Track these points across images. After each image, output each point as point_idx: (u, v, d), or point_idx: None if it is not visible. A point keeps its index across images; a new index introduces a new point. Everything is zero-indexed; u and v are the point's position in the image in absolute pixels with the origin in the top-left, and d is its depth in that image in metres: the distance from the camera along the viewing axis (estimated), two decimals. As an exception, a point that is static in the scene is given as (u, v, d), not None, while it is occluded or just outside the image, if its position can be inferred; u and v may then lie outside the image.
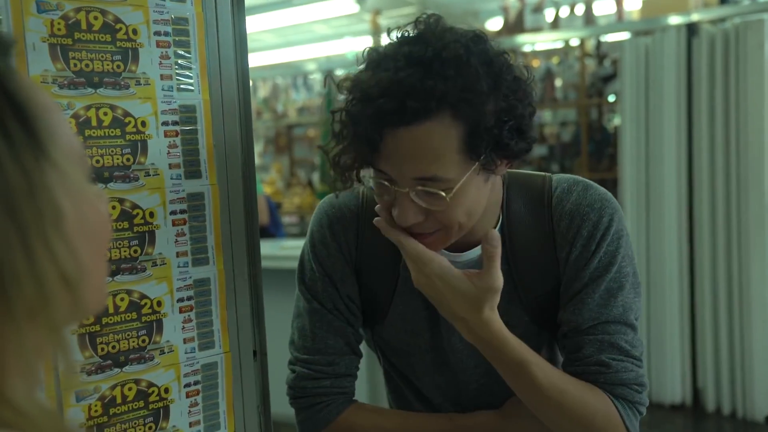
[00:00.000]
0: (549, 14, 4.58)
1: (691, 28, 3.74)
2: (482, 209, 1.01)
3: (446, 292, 0.96)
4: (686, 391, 3.85)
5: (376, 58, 0.94)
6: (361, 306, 1.15)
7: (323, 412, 1.12)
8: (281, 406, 1.21)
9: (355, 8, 6.38)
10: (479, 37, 0.93)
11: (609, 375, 1.01)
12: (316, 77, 6.24)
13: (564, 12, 4.50)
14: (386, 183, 0.95)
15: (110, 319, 0.93)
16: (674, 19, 3.82)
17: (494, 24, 5.58)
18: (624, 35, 4.09)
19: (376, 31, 5.62)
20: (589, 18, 4.43)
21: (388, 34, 0.97)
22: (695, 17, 3.77)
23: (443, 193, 0.92)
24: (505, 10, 4.73)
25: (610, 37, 4.46)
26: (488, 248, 0.95)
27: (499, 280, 0.95)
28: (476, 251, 1.06)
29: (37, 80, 0.86)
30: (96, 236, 0.54)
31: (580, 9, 4.45)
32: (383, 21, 6.05)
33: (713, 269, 3.71)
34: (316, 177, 5.83)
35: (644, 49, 3.86)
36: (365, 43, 6.46)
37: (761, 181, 3.52)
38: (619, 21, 4.47)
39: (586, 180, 1.08)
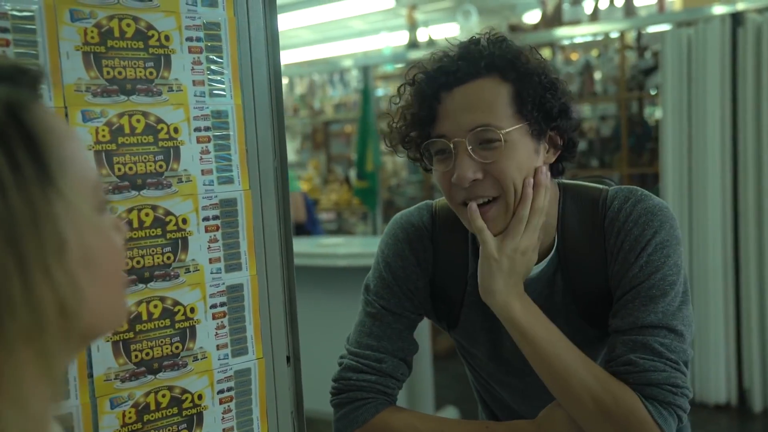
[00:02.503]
0: (588, 6, 4.48)
1: (736, 18, 3.63)
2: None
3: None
4: (731, 391, 3.75)
5: (437, 53, 1.08)
6: (437, 314, 1.22)
7: (362, 410, 1.12)
8: (315, 403, 1.20)
9: (391, 3, 6.36)
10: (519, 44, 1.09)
11: (636, 375, 0.99)
12: (353, 73, 6.24)
13: (603, 4, 4.40)
14: (445, 144, 1.03)
15: (144, 326, 0.93)
16: (718, 9, 3.70)
17: (532, 17, 5.50)
18: (665, 26, 3.99)
19: (412, 26, 5.58)
20: (629, 9, 4.32)
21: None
22: (740, 6, 3.65)
23: (498, 133, 1.00)
24: (542, 3, 4.65)
25: (650, 29, 4.35)
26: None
27: (486, 248, 1.03)
28: (535, 270, 1.10)
29: (70, 89, 0.86)
30: (104, 266, 0.54)
31: (619, 0, 4.35)
32: (419, 16, 6.01)
33: (759, 266, 3.60)
34: (353, 173, 5.84)
35: (686, 40, 3.76)
36: (401, 38, 6.47)
37: (810, 177, 3.40)
38: (660, 12, 4.35)
39: (639, 192, 1.08)
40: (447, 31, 7.20)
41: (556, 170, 1.11)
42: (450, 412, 3.74)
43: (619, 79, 4.28)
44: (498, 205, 1.04)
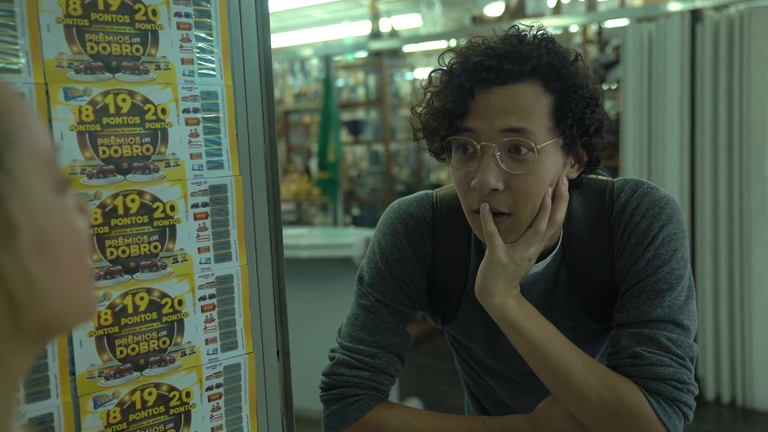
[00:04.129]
0: (551, 0, 4.51)
1: (695, 15, 3.69)
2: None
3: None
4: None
5: (476, 41, 1.00)
6: (432, 308, 1.17)
7: (353, 406, 1.07)
8: (304, 401, 1.16)
9: (353, -7, 6.30)
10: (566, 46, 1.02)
11: (642, 368, 0.96)
12: (314, 63, 6.15)
13: (566, -3, 4.44)
14: (472, 143, 0.96)
15: (129, 320, 0.88)
16: (677, 6, 3.76)
17: (495, 9, 5.51)
18: (626, 21, 4.04)
19: (374, 16, 5.53)
20: (591, 3, 4.36)
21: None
22: (699, 3, 3.72)
23: (532, 143, 0.93)
24: (505, -4, 4.67)
25: (611, 23, 4.40)
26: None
27: (495, 252, 0.98)
28: (540, 265, 1.06)
29: (51, 64, 0.80)
30: (63, 252, 0.48)
31: (582, -6, 4.39)
32: (382, 6, 5.97)
33: (715, 258, 3.69)
34: (313, 164, 5.77)
35: (647, 35, 3.81)
36: (363, 27, 6.40)
37: (763, 170, 3.49)
38: (622, 7, 4.41)
39: (645, 184, 1.06)
40: (409, 22, 7.16)
41: (574, 183, 1.05)
42: (414, 404, 3.73)
43: (581, 72, 4.32)
44: (511, 220, 0.98)
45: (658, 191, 1.05)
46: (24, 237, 0.44)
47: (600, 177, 1.11)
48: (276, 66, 6.39)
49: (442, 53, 1.02)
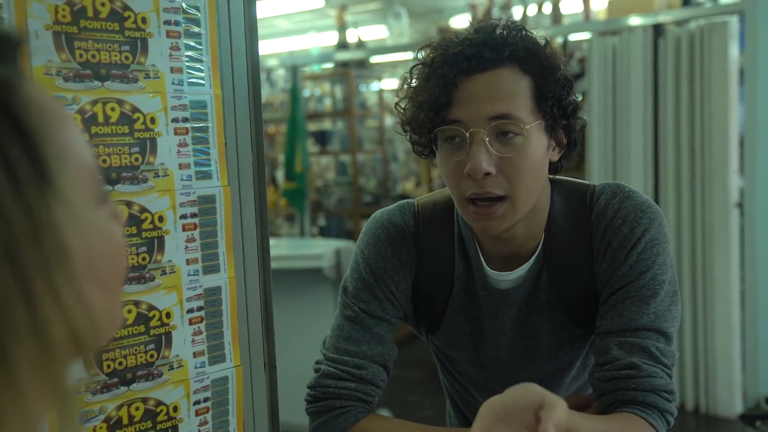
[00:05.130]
0: (517, 12, 4.58)
1: (657, 29, 3.79)
2: (540, 190, 1.03)
3: None
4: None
5: (449, 35, 1.02)
6: (417, 318, 1.17)
7: (341, 418, 1.05)
8: (290, 415, 1.14)
9: (320, 3, 6.30)
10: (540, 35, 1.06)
11: (641, 380, 0.96)
12: (280, 73, 6.13)
13: (532, 10, 4.51)
14: (460, 131, 0.97)
15: (117, 333, 0.86)
16: (640, 20, 3.86)
17: (460, 21, 5.57)
18: (589, 35, 4.12)
19: (341, 27, 5.54)
20: (556, 17, 4.44)
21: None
22: (661, 18, 3.82)
23: (520, 126, 0.95)
24: (472, 8, 4.72)
25: (576, 36, 4.49)
26: None
27: None
28: (523, 268, 1.07)
29: (40, 72, 0.78)
30: (105, 268, 0.47)
31: (547, 7, 4.46)
32: (349, 17, 5.98)
33: (678, 266, 3.76)
34: (280, 174, 5.73)
35: (611, 48, 3.90)
36: (330, 38, 6.40)
37: (725, 180, 3.59)
38: (586, 20, 4.50)
39: (627, 189, 1.06)
40: (376, 33, 7.19)
41: (554, 168, 1.07)
42: (383, 414, 3.72)
43: (547, 84, 4.39)
44: (507, 205, 0.99)
45: (640, 196, 1.06)
46: (77, 260, 0.42)
47: (583, 181, 1.12)
48: (242, 76, 6.35)
49: (420, 48, 1.04)
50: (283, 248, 4.09)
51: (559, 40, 4.50)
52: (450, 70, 0.97)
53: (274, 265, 3.56)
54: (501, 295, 1.09)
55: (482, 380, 1.18)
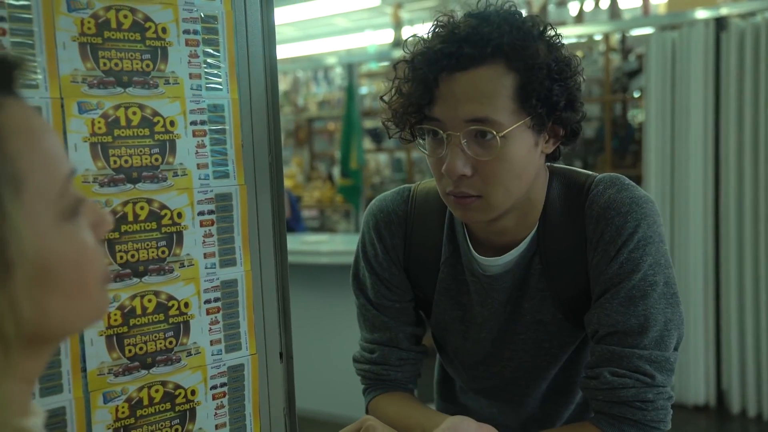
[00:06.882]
0: (573, 8, 4.51)
1: (720, 23, 3.67)
2: (526, 186, 1.01)
3: None
4: (710, 393, 3.80)
5: (442, 21, 1.00)
6: (417, 302, 1.20)
7: (365, 393, 1.21)
8: (309, 403, 1.23)
9: (377, 1, 6.35)
10: (534, 16, 1.02)
11: (606, 392, 0.99)
12: (337, 71, 6.22)
13: (588, 6, 4.44)
14: (439, 131, 0.97)
15: (138, 321, 0.92)
16: (702, 13, 3.74)
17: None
18: (650, 30, 4.02)
19: (397, 25, 5.58)
20: (614, 12, 4.35)
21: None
22: (724, 11, 3.69)
23: (494, 132, 0.94)
24: (528, 4, 4.68)
25: (635, 32, 4.39)
26: None
27: None
28: (513, 254, 1.07)
29: (67, 80, 0.85)
30: (68, 274, 0.52)
31: (605, 2, 4.38)
32: (405, 14, 6.01)
33: (739, 268, 3.64)
34: (336, 171, 5.82)
35: (671, 43, 3.79)
36: (386, 36, 6.45)
37: (790, 183, 3.45)
38: (645, 15, 4.39)
39: (626, 181, 1.04)
40: (424, 31, 7.17)
41: (552, 156, 1.06)
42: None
43: (604, 81, 4.32)
44: (481, 201, 0.99)
45: (637, 190, 1.03)
46: (19, 274, 0.47)
47: (586, 171, 1.10)
48: (300, 74, 6.48)
49: (406, 40, 1.03)
50: (338, 243, 4.17)
51: (617, 35, 4.42)
52: (431, 69, 0.95)
53: (326, 260, 3.60)
54: (489, 281, 1.09)
55: (472, 361, 1.19)
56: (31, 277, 0.49)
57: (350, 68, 5.23)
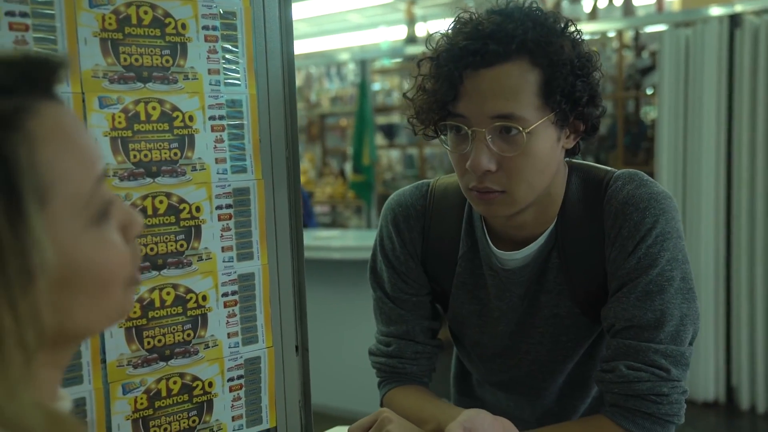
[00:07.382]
0: (587, 4, 4.49)
1: (734, 19, 3.65)
2: (548, 181, 1.02)
3: None
4: (720, 389, 3.79)
5: (464, 17, 1.01)
6: (435, 296, 1.21)
7: (380, 386, 1.21)
8: (323, 398, 1.23)
9: (390, -3, 6.35)
10: (554, 12, 1.02)
11: (621, 385, 0.99)
12: (350, 67, 6.23)
13: (602, 2, 4.42)
14: (464, 127, 0.97)
15: (156, 313, 0.94)
16: (716, 10, 3.72)
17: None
18: (663, 26, 4.00)
19: (410, 21, 5.57)
20: (627, 8, 4.33)
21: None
22: (738, 8, 3.67)
23: (520, 128, 0.94)
24: (541, 0, 4.66)
25: (648, 29, 4.37)
26: None
27: None
28: (532, 247, 1.07)
29: (88, 75, 0.86)
30: (88, 279, 0.52)
31: (618, -1, 4.37)
32: (418, 11, 6.00)
33: (750, 265, 3.63)
34: (348, 167, 5.83)
35: (684, 40, 3.77)
36: (400, 32, 6.45)
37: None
38: (659, 12, 4.37)
39: (645, 177, 1.05)
40: (445, 27, 7.17)
41: (571, 151, 1.06)
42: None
43: (617, 77, 4.30)
44: (505, 197, 0.99)
45: (656, 186, 1.04)
46: (41, 283, 0.47)
47: (605, 167, 1.11)
48: (313, 70, 6.49)
49: (429, 37, 1.03)
50: (349, 239, 4.18)
51: (630, 32, 4.40)
52: (456, 66, 0.95)
53: (338, 255, 3.61)
54: (507, 275, 1.10)
55: (489, 354, 1.20)
56: (54, 284, 0.48)
57: (363, 64, 5.24)
